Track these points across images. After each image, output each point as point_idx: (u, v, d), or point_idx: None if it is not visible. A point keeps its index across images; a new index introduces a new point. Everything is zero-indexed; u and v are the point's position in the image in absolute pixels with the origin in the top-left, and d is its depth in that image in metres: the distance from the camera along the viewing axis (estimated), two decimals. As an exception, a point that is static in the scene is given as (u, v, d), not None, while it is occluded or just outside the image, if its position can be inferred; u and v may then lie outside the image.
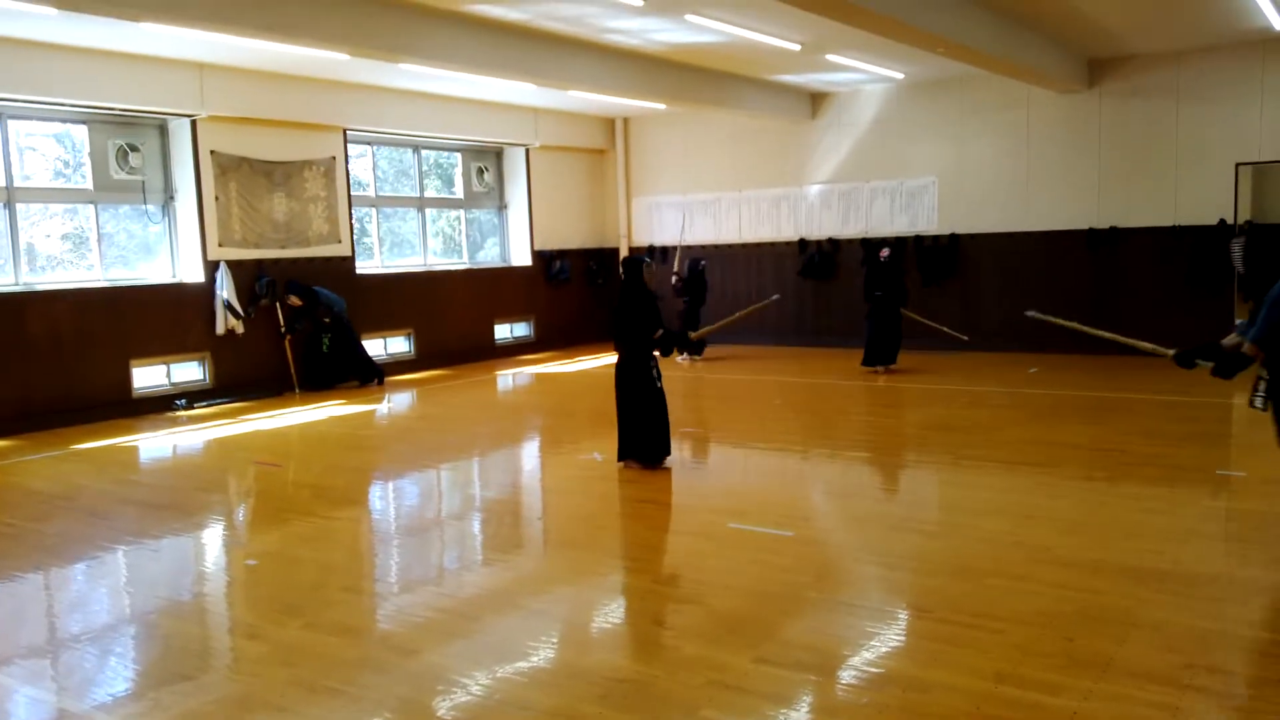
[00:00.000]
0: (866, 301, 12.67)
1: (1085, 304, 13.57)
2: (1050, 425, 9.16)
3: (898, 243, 14.19)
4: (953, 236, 14.45)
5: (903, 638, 4.48)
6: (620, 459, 7.80)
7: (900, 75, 13.82)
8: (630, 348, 7.68)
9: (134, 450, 9.53)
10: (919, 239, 14.65)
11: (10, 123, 10.60)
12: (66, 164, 11.44)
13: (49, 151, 11.39)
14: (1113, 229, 13.25)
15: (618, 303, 7.81)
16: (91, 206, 11.38)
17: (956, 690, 3.83)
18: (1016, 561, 5.32)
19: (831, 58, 12.29)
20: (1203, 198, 12.69)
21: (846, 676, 4.05)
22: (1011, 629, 4.39)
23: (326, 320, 12.49)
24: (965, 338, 13.27)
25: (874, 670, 4.09)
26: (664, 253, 17.10)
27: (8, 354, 10.04)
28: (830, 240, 15.54)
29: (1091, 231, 13.37)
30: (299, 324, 12.41)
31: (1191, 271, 12.74)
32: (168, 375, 11.78)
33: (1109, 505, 6.50)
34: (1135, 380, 11.37)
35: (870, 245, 14.21)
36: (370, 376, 12.92)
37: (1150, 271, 13.08)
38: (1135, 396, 10.47)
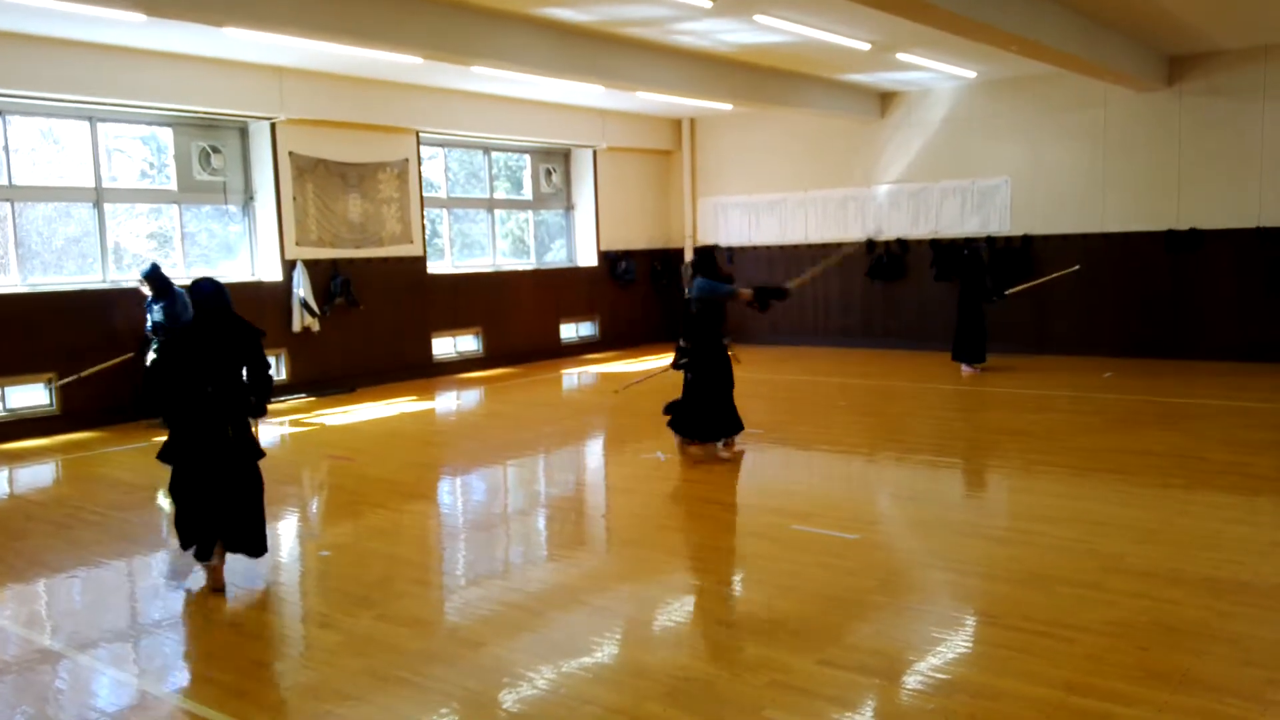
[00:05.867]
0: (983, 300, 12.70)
1: (1163, 307, 13.22)
2: (1125, 431, 8.93)
3: (972, 241, 13.98)
4: (1025, 238, 14.17)
5: (971, 644, 4.42)
6: (696, 440, 8.36)
7: (972, 74, 13.60)
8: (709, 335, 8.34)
9: (212, 443, 9.80)
10: (991, 240, 14.41)
11: (100, 126, 11.00)
12: (152, 165, 11.84)
13: (135, 153, 11.79)
14: (1193, 230, 12.87)
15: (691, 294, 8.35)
16: (175, 207, 11.76)
17: (1026, 699, 3.77)
18: (1089, 570, 5.21)
19: (902, 57, 12.14)
20: (1289, 199, 12.29)
21: (912, 682, 4.01)
22: (1083, 638, 4.31)
23: (163, 332, 9.92)
24: (1077, 267, 13.06)
25: (941, 676, 4.05)
26: (730, 253, 17.07)
27: (96, 349, 10.40)
28: (899, 241, 15.35)
29: (1170, 233, 13.01)
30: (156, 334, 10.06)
31: (1274, 275, 12.32)
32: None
33: (1186, 514, 6.33)
34: (1212, 386, 11.04)
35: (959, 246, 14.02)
36: None
37: (1231, 274, 12.68)
38: (1212, 402, 10.15)
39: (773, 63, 12.76)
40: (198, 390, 5.28)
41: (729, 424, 8.32)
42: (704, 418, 8.22)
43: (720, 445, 8.36)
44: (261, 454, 5.59)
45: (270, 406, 6.09)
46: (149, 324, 10.13)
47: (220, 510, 5.35)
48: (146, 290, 10.03)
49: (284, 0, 8.28)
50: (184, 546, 5.49)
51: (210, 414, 5.30)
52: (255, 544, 5.48)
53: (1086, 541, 5.71)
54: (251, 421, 5.56)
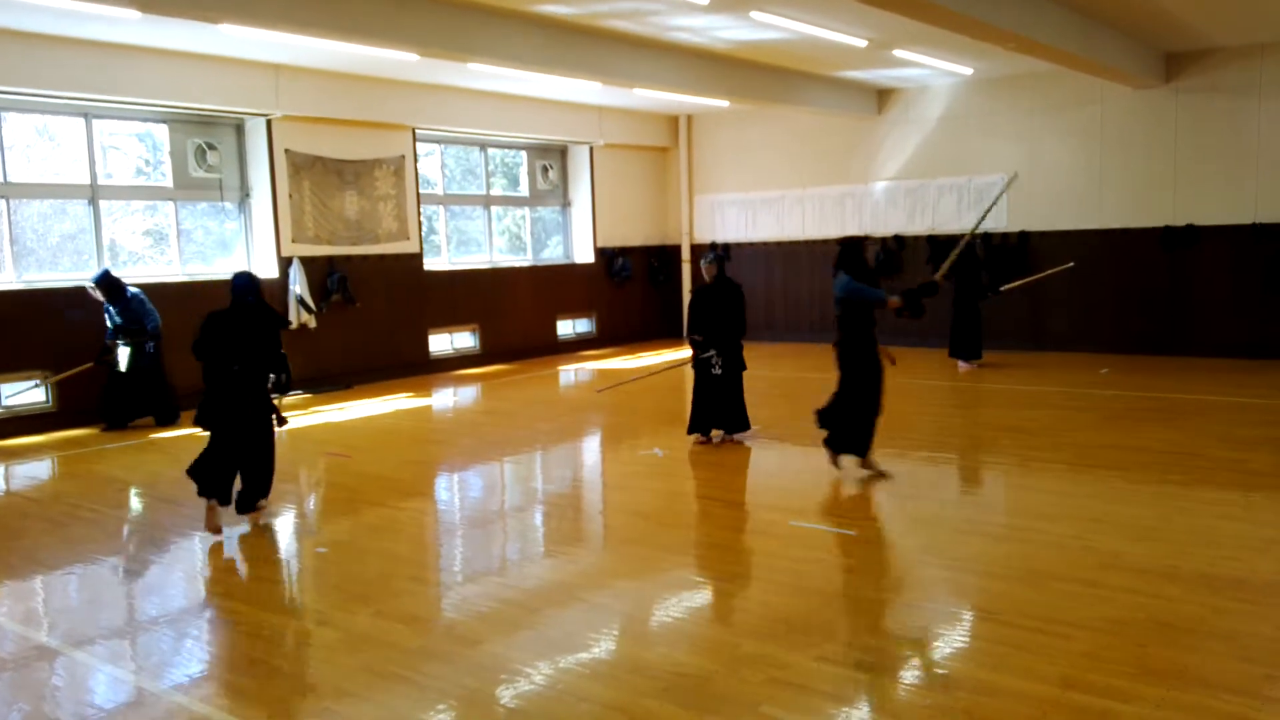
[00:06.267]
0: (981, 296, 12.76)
1: (1160, 303, 13.24)
2: (1121, 428, 8.95)
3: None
4: (1023, 234, 14.18)
5: (967, 640, 4.43)
6: (693, 433, 8.59)
7: (969, 71, 13.60)
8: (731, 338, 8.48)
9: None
10: (988, 237, 14.41)
11: (95, 122, 10.98)
12: (147, 162, 11.81)
13: (131, 150, 11.77)
14: (1189, 227, 12.88)
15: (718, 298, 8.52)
16: (171, 203, 11.74)
17: (1023, 695, 3.78)
18: (1086, 566, 5.21)
19: (899, 54, 12.13)
20: (1286, 195, 12.31)
21: (909, 678, 4.02)
22: (1080, 635, 4.31)
23: (131, 336, 10.13)
24: (1071, 264, 13.08)
25: (938, 672, 4.05)
26: (725, 248, 17.07)
27: (92, 347, 10.37)
28: (896, 238, 15.36)
29: (1167, 230, 13.02)
30: (113, 339, 10.17)
31: (1271, 271, 12.34)
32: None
33: (1183, 511, 6.34)
34: (1209, 382, 11.06)
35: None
36: (170, 416, 10.42)
37: (1227, 271, 12.70)
38: (1209, 399, 10.17)
39: (770, 59, 12.76)
40: (226, 367, 6.21)
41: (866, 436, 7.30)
42: (858, 429, 7.20)
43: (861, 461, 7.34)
44: (284, 421, 6.70)
45: (277, 399, 6.82)
46: (109, 328, 10.15)
47: (240, 462, 6.37)
48: (99, 295, 10.05)
49: (280, -4, 8.27)
50: (201, 493, 6.32)
51: (237, 386, 6.25)
52: (263, 488, 6.55)
53: (1083, 538, 5.72)
54: (277, 396, 6.61)
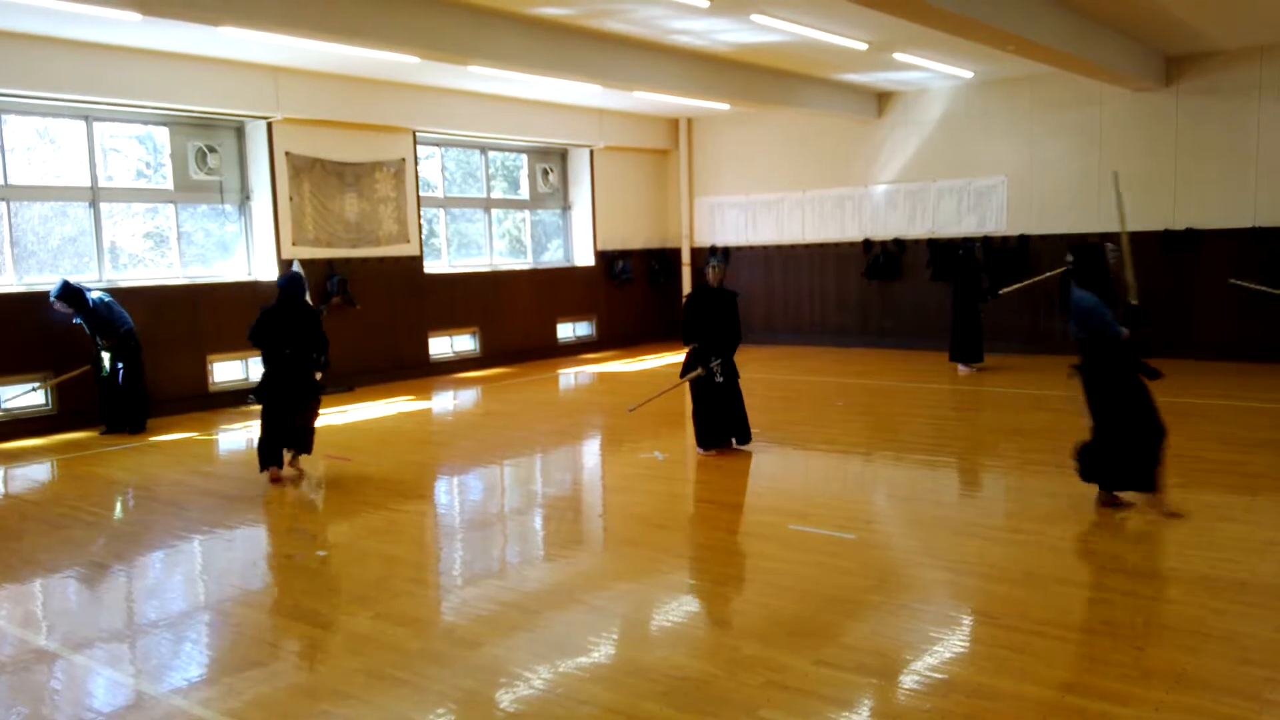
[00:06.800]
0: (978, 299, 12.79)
1: (1160, 306, 13.23)
2: (1122, 431, 8.93)
3: (968, 240, 14.01)
4: (1022, 237, 14.18)
5: (967, 644, 4.42)
6: (705, 448, 8.33)
7: (969, 74, 13.61)
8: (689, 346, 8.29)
9: (210, 443, 9.81)
10: (987, 240, 14.42)
11: (96, 125, 10.99)
12: (148, 165, 11.82)
13: (131, 153, 11.78)
14: (1189, 230, 12.89)
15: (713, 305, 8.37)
16: (171, 206, 11.75)
17: (1022, 699, 3.77)
18: (1085, 569, 5.22)
19: (899, 56, 12.15)
20: (1286, 198, 12.32)
21: (909, 681, 4.02)
22: (1080, 638, 4.31)
23: (110, 341, 10.10)
24: (1070, 262, 13.09)
25: (937, 676, 4.05)
26: (725, 252, 17.09)
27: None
28: (896, 241, 15.36)
29: (1167, 233, 13.02)
30: (100, 342, 10.11)
31: (1271, 273, 12.33)
32: (245, 370, 12.12)
33: (1182, 513, 6.33)
34: (1209, 385, 11.06)
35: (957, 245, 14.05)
36: (138, 424, 10.23)
37: (1227, 273, 12.69)
38: (1208, 402, 10.17)
39: (770, 62, 12.77)
40: (279, 351, 7.72)
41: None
42: (1137, 459, 6.11)
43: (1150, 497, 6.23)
44: (323, 388, 8.19)
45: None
46: (90, 333, 10.07)
47: (290, 426, 7.80)
48: (62, 308, 9.86)
49: (280, -1, 8.29)
50: (263, 468, 7.79)
51: (287, 366, 7.74)
52: (306, 446, 8.02)
53: (1083, 541, 5.72)
54: (318, 373, 7.96)
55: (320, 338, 7.91)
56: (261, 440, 7.83)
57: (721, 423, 8.34)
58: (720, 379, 8.26)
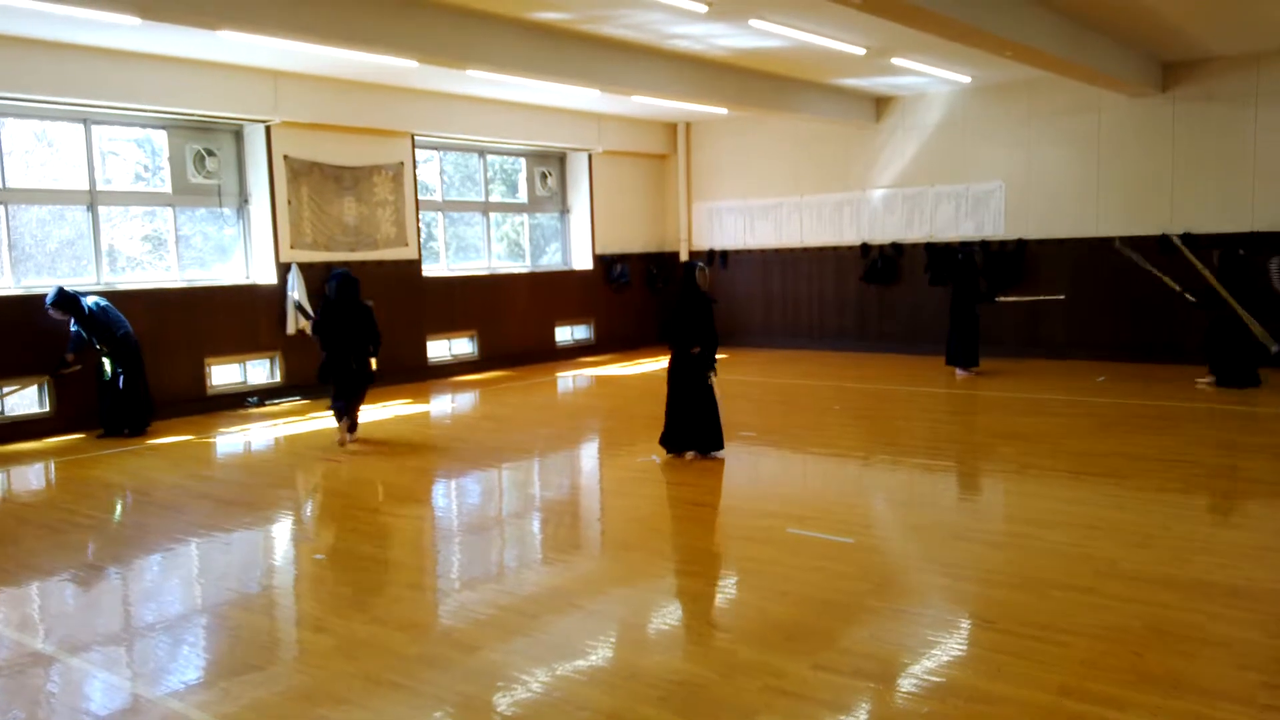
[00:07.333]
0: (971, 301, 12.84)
1: (1157, 311, 13.25)
2: (1118, 435, 8.96)
3: (966, 245, 14.04)
4: (1020, 242, 14.21)
5: (965, 648, 4.42)
6: (674, 452, 8.24)
7: (967, 79, 13.64)
8: (681, 348, 8.18)
9: (208, 446, 9.80)
10: (985, 244, 14.44)
11: (94, 128, 10.99)
12: (146, 168, 11.82)
13: (130, 156, 11.78)
14: (1186, 235, 12.91)
15: (674, 304, 8.32)
16: (170, 209, 11.75)
17: (1020, 703, 3.78)
18: (1083, 574, 5.22)
19: (897, 61, 12.17)
20: (1282, 204, 12.35)
21: (907, 685, 4.02)
22: (1077, 642, 4.31)
23: (107, 346, 10.13)
24: (1061, 296, 13.14)
25: (935, 680, 4.05)
26: (724, 257, 17.11)
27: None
28: (894, 245, 15.39)
29: (1164, 238, 13.05)
30: (78, 351, 10.11)
31: (1268, 279, 12.36)
32: (243, 374, 12.12)
33: (1179, 518, 6.34)
34: (1204, 389, 11.06)
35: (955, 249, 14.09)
36: (139, 427, 10.24)
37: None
38: (1205, 406, 10.18)
39: (768, 67, 12.79)
40: (338, 340, 9.14)
41: None
42: None
43: None
44: (376, 371, 9.56)
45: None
46: (71, 340, 10.04)
47: (350, 399, 9.32)
48: (58, 315, 9.86)
49: (278, 4, 8.29)
50: (337, 421, 9.42)
51: (346, 352, 9.17)
52: (354, 426, 9.46)
53: (1080, 545, 5.72)
54: (371, 359, 9.36)
55: (373, 331, 9.29)
56: (333, 407, 9.42)
57: (692, 428, 8.21)
58: (714, 379, 8.26)
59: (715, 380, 8.27)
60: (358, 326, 9.18)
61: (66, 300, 9.86)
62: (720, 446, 8.31)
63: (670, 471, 7.99)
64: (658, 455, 8.41)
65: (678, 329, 8.20)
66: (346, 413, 9.31)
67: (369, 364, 9.36)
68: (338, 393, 9.28)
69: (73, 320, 9.98)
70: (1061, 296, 13.13)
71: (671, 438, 8.29)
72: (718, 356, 8.32)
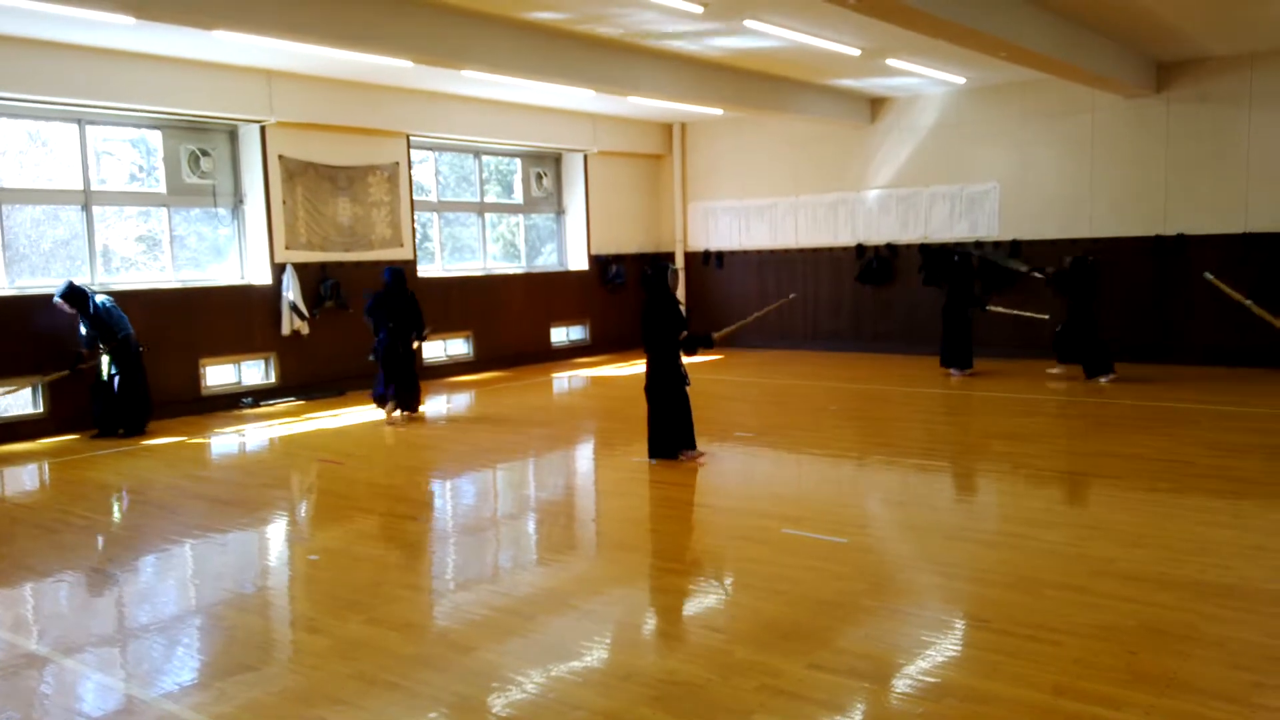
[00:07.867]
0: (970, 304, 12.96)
1: (1150, 311, 13.29)
2: (1113, 435, 8.98)
3: (962, 246, 14.06)
4: (1014, 243, 14.24)
5: (960, 648, 4.43)
6: (667, 459, 8.13)
7: (962, 80, 13.66)
8: (657, 351, 8.05)
9: (203, 446, 9.79)
10: (979, 245, 14.46)
11: (89, 128, 10.96)
12: (141, 168, 11.80)
13: (124, 156, 11.75)
14: (1180, 236, 12.95)
15: (645, 308, 8.16)
16: (164, 209, 11.73)
17: (1014, 702, 3.79)
18: (1077, 574, 5.23)
19: (892, 62, 12.19)
20: (1275, 204, 12.36)
21: (902, 685, 4.02)
22: (1072, 642, 4.32)
23: (108, 345, 10.11)
24: (1047, 316, 13.18)
25: (930, 680, 4.06)
26: (719, 257, 17.11)
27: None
28: (889, 245, 15.41)
29: (1158, 239, 13.08)
30: (87, 348, 10.15)
31: (1261, 280, 12.39)
32: (238, 374, 12.10)
33: (1173, 518, 6.36)
34: (1199, 390, 11.11)
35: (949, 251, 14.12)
36: (137, 427, 10.22)
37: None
38: (1199, 407, 10.21)
39: (763, 68, 12.80)
40: (386, 325, 10.59)
41: None
42: None
43: None
44: (417, 357, 11.04)
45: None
46: (82, 336, 10.04)
47: (396, 381, 10.64)
48: (67, 309, 9.86)
49: (273, 3, 8.28)
50: (380, 405, 10.78)
51: (393, 337, 10.60)
52: (411, 399, 10.79)
53: (1075, 545, 5.74)
54: (416, 343, 10.85)
55: (418, 317, 10.73)
56: (376, 391, 10.76)
57: (682, 431, 8.19)
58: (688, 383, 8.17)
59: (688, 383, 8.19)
60: (404, 311, 10.58)
61: (76, 294, 9.86)
62: (689, 447, 8.25)
63: (665, 472, 7.99)
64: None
65: (659, 331, 7.98)
66: (395, 397, 10.57)
67: (412, 346, 10.71)
68: (384, 379, 10.56)
69: (80, 317, 9.96)
70: (1046, 316, 13.09)
71: (660, 446, 8.15)
72: (704, 358, 8.28)
